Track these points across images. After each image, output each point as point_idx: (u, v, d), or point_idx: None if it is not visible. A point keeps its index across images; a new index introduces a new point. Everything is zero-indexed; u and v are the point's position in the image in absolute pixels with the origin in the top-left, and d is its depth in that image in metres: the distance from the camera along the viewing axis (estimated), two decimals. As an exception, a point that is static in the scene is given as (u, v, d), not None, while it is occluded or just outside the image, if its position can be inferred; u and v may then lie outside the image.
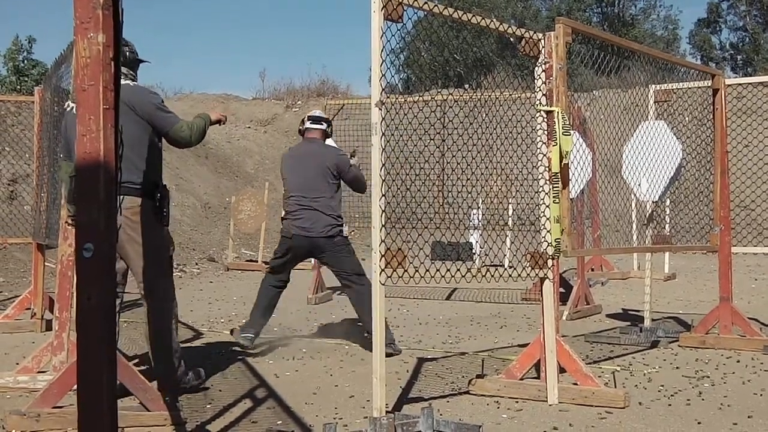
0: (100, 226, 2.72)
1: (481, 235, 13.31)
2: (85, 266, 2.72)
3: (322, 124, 8.20)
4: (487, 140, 6.13)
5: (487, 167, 6.26)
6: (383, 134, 5.10)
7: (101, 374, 2.73)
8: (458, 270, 5.47)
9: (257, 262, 15.68)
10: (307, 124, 8.20)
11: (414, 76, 41.16)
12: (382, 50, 5.07)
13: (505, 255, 11.29)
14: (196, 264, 15.73)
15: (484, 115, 6.20)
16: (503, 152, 6.25)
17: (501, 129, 6.21)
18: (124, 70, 5.73)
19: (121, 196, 5.64)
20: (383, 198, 5.06)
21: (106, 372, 2.73)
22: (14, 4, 65.59)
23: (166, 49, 72.44)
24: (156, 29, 73.78)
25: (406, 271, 5.15)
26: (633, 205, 11.46)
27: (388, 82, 5.17)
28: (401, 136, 5.64)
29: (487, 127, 6.15)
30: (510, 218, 13.65)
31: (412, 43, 37.60)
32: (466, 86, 24.01)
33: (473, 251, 14.29)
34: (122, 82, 5.79)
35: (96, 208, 2.72)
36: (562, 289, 11.02)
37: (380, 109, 5.06)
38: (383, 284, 5.04)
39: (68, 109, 5.96)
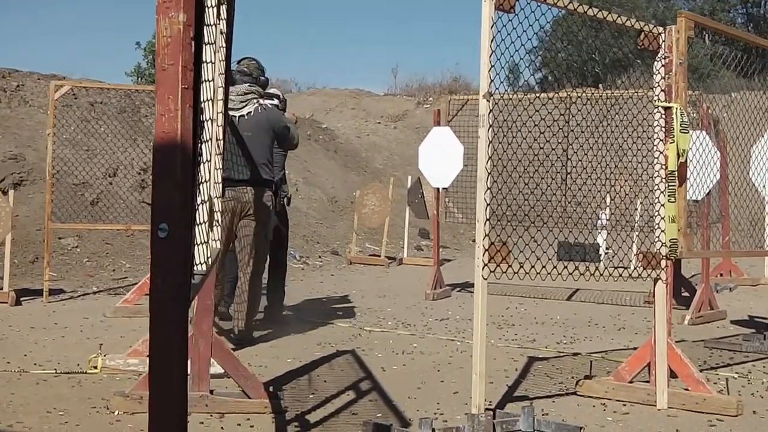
0: (176, 206, 2.69)
1: (609, 234, 13.01)
2: (159, 247, 2.69)
3: (273, 100, 8.80)
4: (616, 139, 5.98)
5: (616, 166, 6.11)
6: (491, 126, 4.99)
7: (174, 357, 2.70)
8: (565, 267, 5.31)
9: (380, 256, 15.71)
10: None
11: (551, 75, 40.63)
12: (492, 41, 4.96)
13: (630, 260, 10.97)
14: (320, 257, 15.82)
15: (613, 114, 6.04)
16: (633, 152, 6.09)
17: (632, 128, 6.06)
18: (260, 90, 7.93)
19: (261, 188, 7.61)
20: (488, 192, 4.95)
21: (179, 355, 2.71)
22: None
23: (300, 42, 73.08)
24: (290, 23, 74.59)
25: (510, 266, 5.03)
26: (767, 208, 11.01)
27: (515, 77, 5.06)
28: (529, 132, 5.54)
29: (617, 127, 6.00)
30: (638, 219, 13.27)
31: (548, 42, 37.21)
32: (600, 86, 23.57)
33: (599, 252, 14.00)
34: (264, 102, 7.90)
35: (172, 188, 2.69)
36: (686, 294, 10.70)
37: (488, 101, 4.95)
38: (485, 279, 4.93)
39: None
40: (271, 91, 9.18)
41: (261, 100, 7.89)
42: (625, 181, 9.41)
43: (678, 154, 5.65)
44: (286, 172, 9.77)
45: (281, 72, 62.17)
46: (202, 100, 3.42)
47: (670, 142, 5.65)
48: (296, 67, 79.10)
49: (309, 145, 20.47)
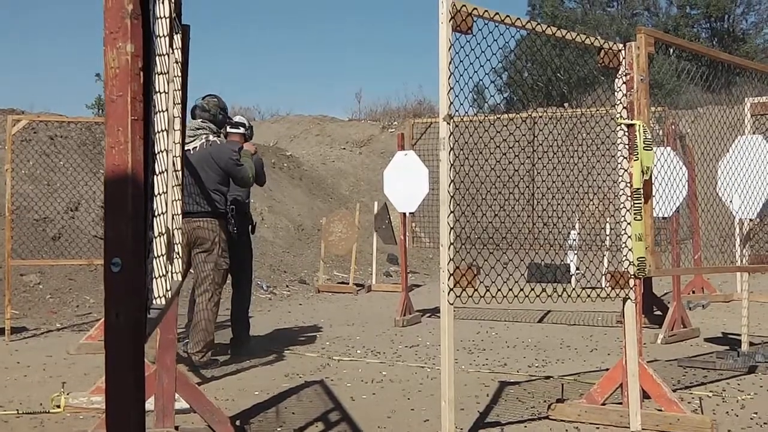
0: (129, 240, 2.62)
1: (576, 255, 12.99)
2: (113, 282, 2.61)
3: (239, 129, 8.98)
4: (579, 158, 5.94)
5: (581, 185, 6.07)
6: (452, 149, 4.94)
7: (129, 395, 2.62)
8: (532, 290, 5.25)
9: (348, 284, 15.60)
10: (228, 129, 8.92)
11: (516, 95, 40.80)
12: (450, 62, 4.90)
13: (598, 280, 10.92)
14: (287, 286, 15.69)
15: (575, 133, 6.02)
16: (598, 170, 6.07)
17: (595, 147, 6.03)
18: (213, 127, 8.19)
19: (207, 219, 7.87)
20: (452, 215, 4.88)
21: (135, 393, 2.62)
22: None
23: (263, 70, 73.04)
24: (253, 51, 74.57)
25: (476, 290, 4.96)
26: (736, 223, 11.04)
27: (482, 98, 5.00)
28: (491, 154, 5.49)
29: (580, 145, 5.97)
30: (608, 237, 13.26)
31: (511, 62, 37.40)
32: (566, 105, 23.71)
33: (570, 273, 13.97)
34: (211, 138, 8.04)
35: (124, 222, 2.62)
36: (659, 312, 10.66)
37: (448, 123, 4.90)
38: (452, 304, 4.85)
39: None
40: (236, 119, 9.17)
41: (210, 136, 8.13)
42: (590, 200, 9.42)
43: (642, 172, 5.62)
44: (251, 201, 9.67)
45: (244, 100, 62.09)
46: (156, 131, 3.34)
47: (634, 160, 5.62)
48: (259, 94, 78.82)
49: (274, 173, 20.36)
